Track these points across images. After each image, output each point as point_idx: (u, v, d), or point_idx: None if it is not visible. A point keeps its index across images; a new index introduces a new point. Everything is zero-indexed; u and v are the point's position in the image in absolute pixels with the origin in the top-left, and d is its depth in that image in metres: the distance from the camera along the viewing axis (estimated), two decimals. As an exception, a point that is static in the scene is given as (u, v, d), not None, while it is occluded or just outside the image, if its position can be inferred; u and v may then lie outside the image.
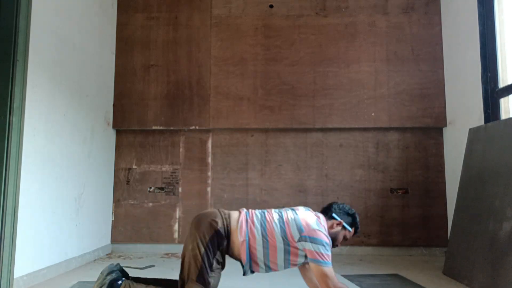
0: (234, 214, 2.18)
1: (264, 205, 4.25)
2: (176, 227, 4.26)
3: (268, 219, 2.15)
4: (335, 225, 2.22)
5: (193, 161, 4.35)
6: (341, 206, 2.28)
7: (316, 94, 4.27)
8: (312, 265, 2.03)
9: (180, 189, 4.32)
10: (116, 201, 4.33)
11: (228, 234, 2.09)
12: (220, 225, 2.08)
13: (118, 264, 2.20)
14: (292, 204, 4.23)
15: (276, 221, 2.13)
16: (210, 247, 2.02)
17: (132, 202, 4.32)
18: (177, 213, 4.28)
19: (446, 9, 4.21)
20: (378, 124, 4.21)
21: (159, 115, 4.32)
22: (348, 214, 2.26)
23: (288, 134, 4.34)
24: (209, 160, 4.34)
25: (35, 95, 2.93)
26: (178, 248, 4.23)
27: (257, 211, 2.23)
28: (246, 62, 4.34)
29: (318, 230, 2.06)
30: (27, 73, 2.80)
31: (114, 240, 4.26)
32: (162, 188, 4.33)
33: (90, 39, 3.87)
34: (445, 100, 4.19)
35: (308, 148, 4.31)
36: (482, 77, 3.48)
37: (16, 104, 2.69)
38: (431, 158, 4.23)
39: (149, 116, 4.32)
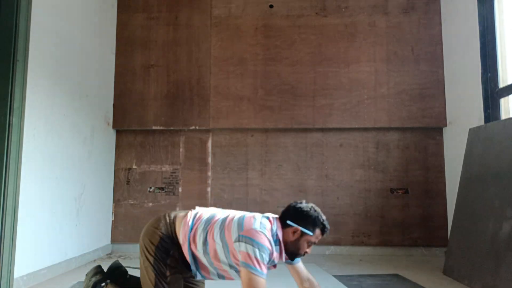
0: (181, 216, 1.97)
1: (264, 205, 4.25)
2: (176, 227, 4.26)
3: (215, 219, 1.91)
4: (291, 233, 1.86)
5: (193, 161, 4.35)
6: (297, 207, 1.91)
7: (316, 94, 4.27)
8: (241, 269, 1.71)
9: (180, 189, 4.32)
10: (116, 201, 4.33)
11: (174, 237, 1.91)
12: (163, 231, 1.90)
13: (118, 260, 2.17)
14: (292, 204, 4.23)
15: (220, 220, 1.88)
16: (158, 256, 1.85)
17: (132, 202, 4.32)
18: (177, 213, 4.28)
19: (446, 9, 4.21)
20: (378, 124, 4.21)
21: (159, 115, 4.32)
22: (305, 215, 1.87)
23: (288, 134, 4.34)
24: (209, 160, 4.34)
25: (35, 95, 2.93)
26: (178, 248, 4.24)
27: (211, 211, 2.00)
28: (246, 62, 4.34)
29: (258, 231, 1.75)
30: (27, 73, 2.80)
31: (114, 240, 4.26)
32: (162, 188, 4.33)
33: (90, 39, 3.87)
34: (445, 100, 4.19)
35: (308, 148, 4.31)
36: (482, 77, 3.48)
37: (16, 104, 2.69)
38: (431, 158, 4.23)
39: (149, 116, 4.32)
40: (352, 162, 4.27)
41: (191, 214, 1.96)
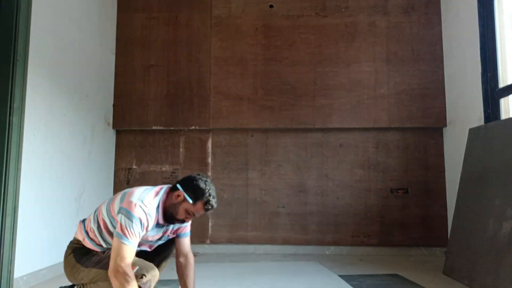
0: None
1: (264, 205, 4.25)
2: (176, 227, 4.26)
3: (102, 203, 2.04)
4: (174, 196, 1.91)
5: (193, 161, 4.35)
6: (192, 176, 1.97)
7: (316, 94, 4.27)
8: (114, 239, 1.79)
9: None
10: (116, 201, 4.32)
11: (79, 243, 2.07)
12: (69, 248, 2.12)
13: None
14: (291, 204, 4.24)
15: (107, 200, 1.99)
16: (80, 255, 2.04)
17: (132, 202, 4.31)
18: (177, 213, 4.28)
19: (446, 9, 4.21)
20: (378, 124, 4.21)
21: (159, 115, 4.32)
22: (195, 185, 1.92)
23: (288, 134, 4.34)
24: (209, 160, 4.34)
25: (35, 95, 2.93)
26: (178, 248, 4.24)
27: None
28: (246, 62, 4.34)
29: (135, 203, 1.80)
30: (27, 73, 2.80)
31: (114, 240, 4.26)
32: (162, 188, 4.33)
33: (90, 39, 3.87)
34: (445, 100, 4.19)
35: (308, 148, 4.31)
36: (482, 77, 3.48)
37: (16, 104, 2.69)
38: (431, 158, 4.23)
39: (149, 116, 4.32)
40: (352, 162, 4.27)
41: (80, 221, 2.11)
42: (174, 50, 4.39)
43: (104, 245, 1.99)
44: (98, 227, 1.96)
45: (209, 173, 4.32)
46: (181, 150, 4.38)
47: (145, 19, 4.44)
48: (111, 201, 1.95)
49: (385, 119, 4.21)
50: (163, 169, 4.35)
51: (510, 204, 2.67)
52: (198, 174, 2.00)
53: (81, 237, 2.03)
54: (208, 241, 4.23)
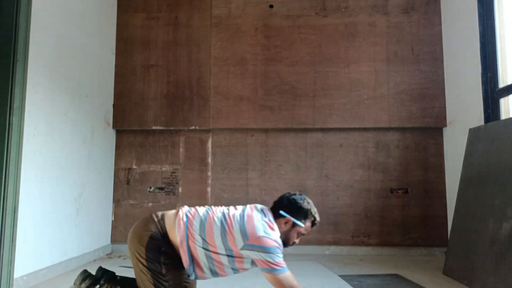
0: (170, 213, 1.96)
1: (264, 205, 4.23)
2: (176, 227, 4.26)
3: (209, 219, 1.90)
4: (283, 224, 1.93)
5: (193, 161, 4.35)
6: (291, 198, 1.98)
7: (316, 94, 4.27)
8: (265, 274, 1.79)
9: (180, 189, 4.32)
10: (116, 201, 4.33)
11: (165, 234, 1.88)
12: (153, 228, 1.88)
13: (100, 267, 2.10)
14: (292, 204, 4.23)
15: (218, 222, 1.88)
16: (150, 256, 1.83)
17: (132, 202, 4.32)
18: (177, 213, 4.28)
19: (446, 9, 4.21)
20: (378, 124, 4.21)
21: (159, 115, 4.32)
22: (299, 207, 1.95)
23: (288, 134, 4.34)
24: (209, 160, 4.34)
25: (35, 95, 2.93)
26: (178, 248, 4.23)
27: (200, 209, 1.99)
28: (246, 62, 4.34)
29: (264, 237, 1.79)
30: (27, 73, 2.80)
31: (114, 240, 4.26)
32: (162, 188, 4.33)
33: (90, 39, 3.87)
34: (445, 100, 4.19)
35: (308, 148, 4.31)
36: (482, 77, 3.48)
37: (16, 104, 2.69)
38: (431, 158, 4.23)
39: (149, 116, 4.32)
40: (352, 162, 4.27)
41: (182, 212, 1.94)
42: (174, 50, 4.39)
43: (191, 269, 1.88)
44: (204, 245, 1.85)
45: (209, 173, 4.32)
46: (181, 150, 4.38)
47: (145, 19, 4.44)
48: (223, 228, 1.86)
49: (385, 119, 4.20)
50: (163, 169, 4.35)
51: (510, 204, 2.67)
52: (294, 194, 2.02)
53: (179, 237, 1.86)
54: (208, 241, 4.23)
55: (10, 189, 2.63)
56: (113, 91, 4.36)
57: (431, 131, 4.26)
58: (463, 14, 3.82)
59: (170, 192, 4.32)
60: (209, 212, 1.96)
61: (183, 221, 1.89)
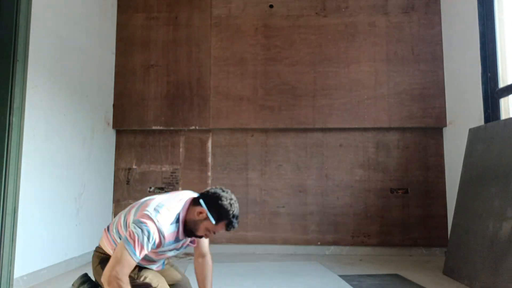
0: (102, 238, 1.98)
1: (264, 205, 4.25)
2: (176, 227, 4.26)
3: (123, 214, 1.91)
4: (197, 213, 1.82)
5: (193, 161, 4.35)
6: (217, 193, 1.85)
7: (316, 94, 4.27)
8: (119, 243, 1.72)
9: (180, 189, 4.32)
10: (116, 201, 4.33)
11: (106, 256, 1.91)
12: (96, 257, 1.95)
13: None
14: (291, 204, 4.24)
15: (126, 209, 1.91)
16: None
17: (132, 202, 4.31)
18: (177, 213, 4.28)
19: (446, 9, 4.21)
20: (378, 124, 4.21)
21: (159, 115, 4.32)
22: (218, 204, 1.82)
23: (288, 134, 4.34)
24: (209, 160, 4.34)
25: (35, 95, 2.93)
26: (178, 248, 4.23)
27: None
28: (246, 62, 4.34)
29: (150, 217, 1.71)
30: (27, 73, 2.80)
31: (114, 240, 4.26)
32: (162, 188, 4.33)
33: (90, 39, 3.87)
34: (445, 100, 4.19)
35: (308, 148, 4.31)
36: (482, 77, 3.48)
37: (16, 104, 2.69)
38: (431, 158, 4.23)
39: (149, 116, 4.32)
40: (352, 162, 4.27)
41: (105, 230, 1.98)
42: (174, 50, 4.39)
43: None
44: (119, 236, 1.85)
45: (209, 173, 4.32)
46: (181, 150, 4.38)
47: (145, 19, 4.44)
48: (127, 213, 1.87)
49: (385, 119, 4.20)
50: (163, 169, 4.35)
51: (510, 204, 2.67)
52: (223, 191, 1.88)
53: (109, 247, 1.89)
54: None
55: (10, 189, 2.63)
56: (113, 91, 4.36)
57: (431, 131, 4.26)
58: (463, 14, 3.82)
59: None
60: (127, 210, 1.95)
61: (107, 237, 1.92)
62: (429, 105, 4.20)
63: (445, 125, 4.17)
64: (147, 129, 4.35)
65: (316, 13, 4.38)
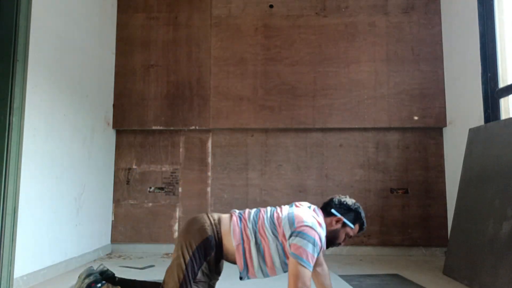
0: (225, 217, 2.01)
1: (264, 205, 4.24)
2: (176, 227, 4.27)
3: (261, 216, 1.96)
4: (334, 222, 1.97)
5: (193, 161, 4.35)
6: (342, 200, 2.03)
7: (316, 94, 4.27)
8: (290, 260, 1.78)
9: (180, 189, 4.32)
10: (116, 201, 4.33)
11: (219, 241, 1.92)
12: (209, 232, 1.90)
13: (102, 264, 2.15)
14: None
15: (269, 217, 1.95)
16: (197, 256, 1.85)
17: (132, 202, 4.32)
18: (177, 213, 4.28)
19: (446, 9, 4.21)
20: (378, 124, 4.21)
21: (159, 115, 4.32)
22: (350, 209, 2.00)
23: (288, 134, 4.34)
24: (209, 160, 4.34)
25: (35, 95, 2.93)
26: (178, 248, 4.23)
27: (251, 211, 2.05)
28: (246, 62, 4.34)
29: (308, 226, 1.81)
30: (27, 73, 2.80)
31: (114, 240, 4.26)
32: (162, 188, 4.33)
33: (90, 39, 3.87)
34: (445, 100, 4.19)
35: (308, 148, 4.31)
36: (482, 77, 3.48)
37: (16, 104, 2.69)
38: (431, 158, 4.23)
39: (149, 116, 4.32)
40: (352, 162, 4.27)
41: (235, 216, 2.00)
42: (174, 50, 4.39)
43: (245, 273, 1.92)
44: (256, 243, 1.90)
45: (209, 173, 4.32)
46: (181, 150, 4.38)
47: (145, 19, 4.44)
48: (272, 222, 1.92)
49: (385, 119, 4.20)
50: (163, 169, 4.35)
51: (510, 204, 2.67)
52: (345, 196, 2.07)
53: (235, 242, 1.90)
54: (208, 241, 4.22)
55: (10, 189, 2.63)
56: (113, 91, 4.36)
57: (431, 131, 4.26)
58: (463, 14, 3.82)
59: (170, 192, 4.32)
60: (259, 212, 2.02)
61: (238, 226, 1.94)
62: (429, 105, 4.20)
63: (445, 125, 4.17)
64: (147, 129, 4.35)
65: (316, 13, 4.38)
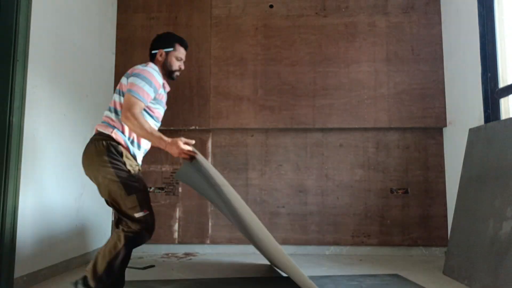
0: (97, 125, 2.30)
1: (264, 205, 4.25)
2: (176, 227, 4.27)
3: (113, 101, 2.25)
4: (159, 58, 2.31)
5: (193, 161, 4.34)
6: (154, 38, 2.40)
7: (316, 94, 4.27)
8: (125, 95, 2.03)
9: (180, 189, 4.32)
10: (116, 201, 4.32)
11: (110, 135, 2.14)
12: (104, 140, 2.11)
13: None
14: (291, 204, 4.24)
15: (117, 94, 2.22)
16: (114, 162, 2.06)
17: (132, 202, 4.31)
18: (177, 213, 4.28)
19: (446, 9, 4.21)
20: (378, 124, 4.21)
21: (159, 115, 4.31)
22: (161, 39, 2.36)
23: (288, 134, 4.34)
24: (209, 160, 4.33)
25: (35, 95, 2.93)
26: (178, 248, 4.24)
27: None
28: (246, 62, 4.34)
29: (142, 69, 2.11)
30: (27, 73, 2.80)
31: (114, 240, 4.25)
32: (162, 188, 4.33)
33: (90, 39, 3.87)
34: (445, 100, 4.19)
35: (308, 148, 4.31)
36: (482, 77, 3.48)
37: (16, 104, 2.69)
38: (431, 158, 4.23)
39: (149, 116, 4.32)
40: (352, 162, 4.27)
41: (103, 117, 2.28)
42: (174, 50, 4.38)
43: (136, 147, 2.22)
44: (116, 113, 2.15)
45: (209, 173, 4.31)
46: (181, 150, 4.37)
47: (145, 19, 4.44)
48: (120, 90, 2.18)
49: (385, 119, 4.21)
50: (163, 169, 4.35)
51: (510, 204, 2.67)
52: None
53: (109, 130, 2.14)
54: (208, 241, 4.23)
55: (10, 189, 2.63)
56: (113, 91, 4.35)
57: (431, 131, 4.26)
58: (463, 14, 3.82)
59: (170, 192, 4.32)
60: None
61: (104, 116, 2.24)
62: (429, 105, 4.20)
63: (445, 125, 4.17)
64: (147, 129, 4.34)
65: (316, 13, 4.38)
